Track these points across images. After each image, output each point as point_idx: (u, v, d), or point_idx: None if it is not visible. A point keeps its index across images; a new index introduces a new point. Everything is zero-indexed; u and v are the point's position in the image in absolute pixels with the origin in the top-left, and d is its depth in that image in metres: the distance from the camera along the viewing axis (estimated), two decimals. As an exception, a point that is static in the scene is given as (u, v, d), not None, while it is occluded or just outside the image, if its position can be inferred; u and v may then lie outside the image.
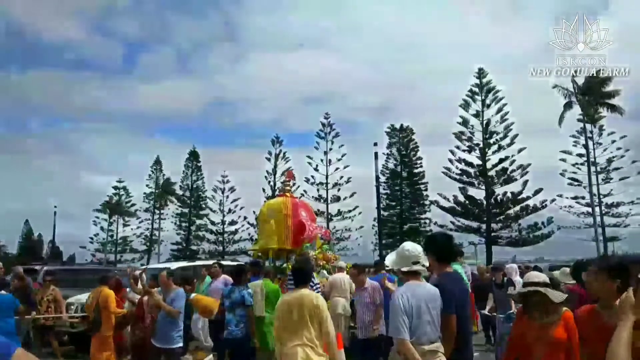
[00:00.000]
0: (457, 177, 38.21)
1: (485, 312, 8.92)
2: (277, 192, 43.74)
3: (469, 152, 38.12)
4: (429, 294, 3.54)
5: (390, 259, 3.91)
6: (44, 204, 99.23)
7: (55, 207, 48.69)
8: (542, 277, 3.48)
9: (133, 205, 49.32)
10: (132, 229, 49.28)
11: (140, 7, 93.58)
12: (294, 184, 20.12)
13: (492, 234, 37.20)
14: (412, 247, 3.73)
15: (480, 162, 37.67)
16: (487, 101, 37.64)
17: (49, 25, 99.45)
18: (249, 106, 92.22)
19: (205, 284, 9.58)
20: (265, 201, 43.58)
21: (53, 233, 49.77)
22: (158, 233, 48.31)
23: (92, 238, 48.28)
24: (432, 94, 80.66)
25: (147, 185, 49.43)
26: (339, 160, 42.50)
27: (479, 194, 37.83)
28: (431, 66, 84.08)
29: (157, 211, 49.02)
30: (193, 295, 7.51)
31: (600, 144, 36.56)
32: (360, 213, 41.70)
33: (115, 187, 49.21)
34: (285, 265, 10.70)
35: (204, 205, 49.14)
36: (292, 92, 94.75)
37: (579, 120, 35.00)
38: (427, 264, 3.69)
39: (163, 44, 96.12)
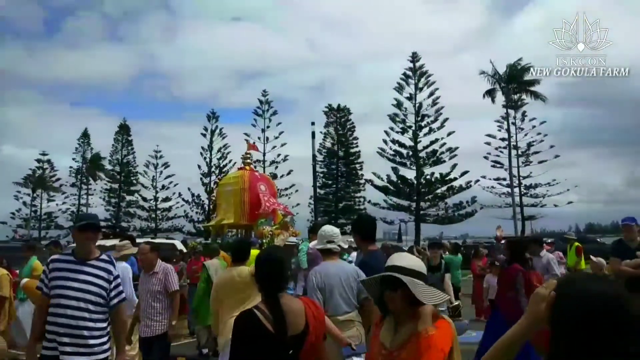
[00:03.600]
0: (391, 157, 39.56)
1: None
2: (213, 169, 43.31)
3: (402, 133, 39.45)
4: (343, 270, 3.92)
5: (313, 242, 4.32)
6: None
7: (-29, 180, 45.47)
8: (416, 262, 2.13)
9: (58, 179, 46.93)
10: (57, 204, 47.11)
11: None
12: (239, 161, 19.54)
13: (421, 212, 38.99)
14: (328, 229, 4.13)
15: (412, 144, 39.08)
16: (420, 85, 38.95)
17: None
18: (183, 78, 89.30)
19: (28, 266, 7.77)
20: (200, 178, 43.38)
21: (-31, 208, 46.58)
22: (85, 209, 46.31)
23: (13, 214, 45.65)
24: (370, 75, 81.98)
25: (73, 159, 47.18)
26: (276, 138, 42.59)
27: (410, 174, 39.42)
28: (368, 46, 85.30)
29: (84, 186, 47.01)
30: (25, 280, 6.14)
31: (522, 129, 38.99)
32: (297, 191, 42.15)
33: (38, 160, 46.57)
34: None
35: (135, 181, 47.55)
36: (228, 67, 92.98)
37: (503, 106, 37.14)
38: (342, 244, 4.11)
39: (90, 9, 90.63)
